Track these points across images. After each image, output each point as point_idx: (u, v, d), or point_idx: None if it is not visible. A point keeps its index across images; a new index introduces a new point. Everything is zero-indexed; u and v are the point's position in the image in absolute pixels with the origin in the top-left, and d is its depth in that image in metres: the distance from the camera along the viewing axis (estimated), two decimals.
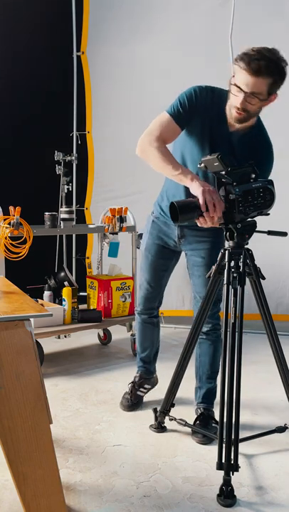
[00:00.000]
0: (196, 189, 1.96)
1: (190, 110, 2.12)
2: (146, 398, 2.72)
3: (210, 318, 2.34)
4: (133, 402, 2.64)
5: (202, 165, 2.00)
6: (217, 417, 2.13)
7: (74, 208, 4.14)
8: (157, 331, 2.67)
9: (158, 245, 2.48)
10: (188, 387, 2.74)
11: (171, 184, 2.30)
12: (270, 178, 2.04)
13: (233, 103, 2.01)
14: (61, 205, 4.11)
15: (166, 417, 2.34)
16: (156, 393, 2.76)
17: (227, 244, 2.06)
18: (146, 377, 2.70)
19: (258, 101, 1.96)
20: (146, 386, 2.70)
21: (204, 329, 2.37)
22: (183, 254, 2.49)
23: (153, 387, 2.75)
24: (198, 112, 2.13)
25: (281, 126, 3.68)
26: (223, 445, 1.85)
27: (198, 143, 2.18)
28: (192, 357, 2.25)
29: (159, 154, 2.09)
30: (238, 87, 1.94)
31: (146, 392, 2.71)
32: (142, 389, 2.69)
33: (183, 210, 1.93)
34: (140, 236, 3.54)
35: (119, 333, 3.82)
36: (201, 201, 1.92)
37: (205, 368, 2.44)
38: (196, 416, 2.41)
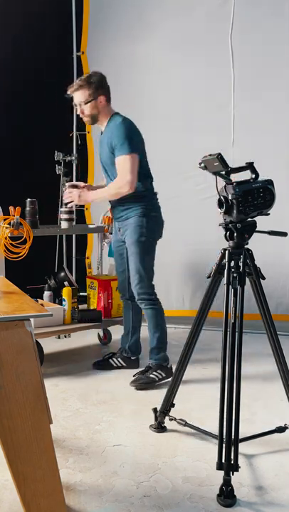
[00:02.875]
0: None
1: None
2: (146, 398, 2.72)
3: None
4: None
5: (202, 165, 2.00)
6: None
7: (74, 207, 4.13)
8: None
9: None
10: (189, 387, 2.74)
11: None
12: (270, 178, 2.04)
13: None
14: (61, 205, 4.10)
15: (166, 417, 2.34)
16: (156, 393, 2.76)
17: (227, 244, 2.06)
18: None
19: (83, 107, 2.92)
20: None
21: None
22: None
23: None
24: None
25: (283, 130, 3.69)
26: (223, 445, 1.85)
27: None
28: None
29: None
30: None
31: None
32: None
33: None
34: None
35: (119, 333, 3.81)
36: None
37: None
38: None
